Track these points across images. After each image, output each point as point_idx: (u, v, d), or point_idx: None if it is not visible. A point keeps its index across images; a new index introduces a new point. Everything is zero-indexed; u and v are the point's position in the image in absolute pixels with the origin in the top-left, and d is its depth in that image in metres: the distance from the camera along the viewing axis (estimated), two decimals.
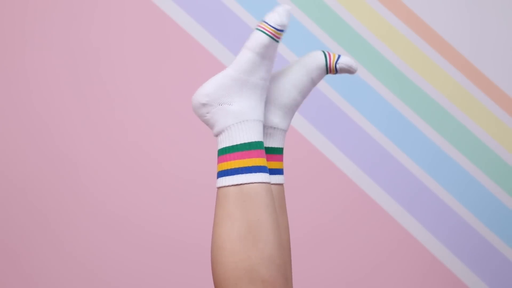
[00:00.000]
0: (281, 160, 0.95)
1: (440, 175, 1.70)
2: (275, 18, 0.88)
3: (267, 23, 0.89)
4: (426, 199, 1.70)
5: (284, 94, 0.94)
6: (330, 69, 0.94)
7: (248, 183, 0.84)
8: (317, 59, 0.95)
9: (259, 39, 0.88)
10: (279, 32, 0.89)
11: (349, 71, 0.95)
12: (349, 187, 1.69)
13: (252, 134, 0.87)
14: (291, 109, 0.96)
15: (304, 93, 0.96)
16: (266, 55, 0.89)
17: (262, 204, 0.84)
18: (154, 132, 1.70)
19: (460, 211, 1.70)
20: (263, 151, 0.87)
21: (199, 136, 1.70)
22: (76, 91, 1.69)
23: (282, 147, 0.95)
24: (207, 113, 0.90)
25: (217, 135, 0.89)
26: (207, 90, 0.89)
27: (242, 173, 0.84)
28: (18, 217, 1.68)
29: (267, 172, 0.86)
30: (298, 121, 1.69)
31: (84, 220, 1.68)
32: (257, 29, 0.89)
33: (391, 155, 1.70)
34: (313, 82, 0.96)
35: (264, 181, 0.85)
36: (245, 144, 0.86)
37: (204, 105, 0.90)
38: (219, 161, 0.87)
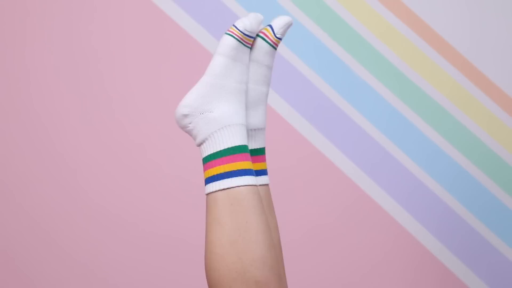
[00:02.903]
0: (264, 160, 0.96)
1: (440, 174, 1.70)
2: (244, 23, 0.90)
3: (235, 27, 0.90)
4: (426, 198, 1.70)
5: (251, 94, 0.94)
6: (275, 44, 0.94)
7: (235, 187, 0.85)
8: (259, 46, 0.94)
9: (226, 42, 0.90)
10: (247, 37, 0.90)
11: (289, 27, 0.95)
12: (349, 187, 1.69)
13: (236, 138, 0.88)
14: (262, 103, 0.96)
15: (267, 81, 0.96)
16: (237, 57, 0.90)
17: (249, 206, 0.84)
18: (153, 132, 1.70)
19: (460, 210, 1.70)
20: (248, 154, 0.88)
21: None
22: (75, 91, 1.69)
23: (263, 146, 0.96)
24: (190, 123, 0.91)
25: (200, 145, 0.90)
26: (187, 101, 0.91)
27: (228, 177, 0.85)
28: (15, 217, 1.68)
29: (253, 175, 0.87)
30: (298, 121, 1.69)
31: (82, 220, 1.68)
32: (226, 33, 0.91)
33: (391, 155, 1.70)
34: (269, 67, 0.96)
35: (250, 183, 0.86)
36: (229, 148, 0.87)
37: (186, 116, 0.91)
38: (205, 169, 0.88)
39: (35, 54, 1.70)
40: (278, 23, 0.94)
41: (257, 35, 0.94)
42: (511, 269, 1.70)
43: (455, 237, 1.70)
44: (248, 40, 0.91)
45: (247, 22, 0.90)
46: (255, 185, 0.86)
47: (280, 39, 0.94)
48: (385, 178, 1.70)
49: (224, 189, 0.85)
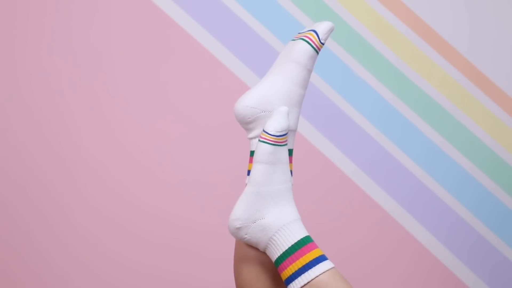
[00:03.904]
0: (291, 161, 0.98)
1: (440, 174, 1.70)
2: (274, 126, 0.91)
3: (267, 133, 0.91)
4: (426, 198, 1.70)
5: (291, 95, 0.96)
6: (319, 48, 0.97)
7: (314, 278, 0.86)
8: (305, 50, 0.96)
9: (262, 150, 0.91)
10: (280, 137, 0.92)
11: (331, 32, 0.98)
12: (349, 187, 1.69)
13: (296, 234, 0.89)
14: (298, 105, 0.98)
15: (306, 85, 0.98)
16: (275, 161, 0.92)
17: None
18: (154, 132, 1.70)
19: (460, 210, 1.70)
20: (313, 243, 0.90)
21: (200, 136, 1.70)
22: (77, 91, 1.70)
23: (292, 148, 0.98)
24: (246, 234, 0.92)
25: (265, 250, 0.91)
26: (236, 214, 0.92)
27: (303, 272, 0.86)
28: (19, 215, 1.68)
29: (326, 259, 0.88)
30: (298, 121, 1.69)
31: (84, 219, 1.68)
32: (260, 140, 0.92)
33: (391, 154, 1.70)
34: (310, 71, 0.98)
35: (327, 268, 0.87)
36: (293, 246, 0.88)
37: (239, 229, 0.92)
38: (280, 271, 0.89)
39: (37, 53, 1.70)
40: (323, 28, 0.96)
41: (302, 38, 0.96)
42: (510, 267, 1.71)
43: (456, 236, 1.70)
44: (282, 140, 0.92)
45: (276, 124, 0.91)
46: (332, 268, 0.87)
47: (323, 44, 0.96)
48: (384, 178, 1.70)
49: (305, 284, 0.86)
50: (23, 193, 1.69)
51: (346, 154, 1.70)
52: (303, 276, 0.86)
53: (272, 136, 0.91)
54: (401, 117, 1.70)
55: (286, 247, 0.88)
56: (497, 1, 1.71)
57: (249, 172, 0.90)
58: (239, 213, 0.92)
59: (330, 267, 0.87)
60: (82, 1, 1.70)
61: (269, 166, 0.91)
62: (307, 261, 0.87)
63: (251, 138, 0.96)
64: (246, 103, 0.96)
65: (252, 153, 0.95)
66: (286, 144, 0.93)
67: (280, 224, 0.90)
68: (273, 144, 0.91)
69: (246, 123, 0.96)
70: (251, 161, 0.90)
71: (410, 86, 1.70)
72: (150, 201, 1.69)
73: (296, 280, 0.86)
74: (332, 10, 1.69)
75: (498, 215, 1.70)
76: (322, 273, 0.86)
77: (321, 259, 0.88)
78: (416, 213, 1.70)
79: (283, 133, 0.92)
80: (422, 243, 1.70)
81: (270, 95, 0.95)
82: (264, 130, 0.91)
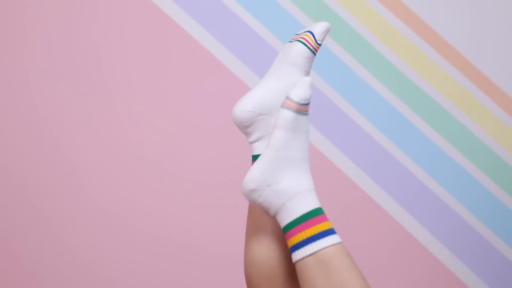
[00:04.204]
0: None
1: (440, 174, 1.70)
2: (298, 93, 0.90)
3: (291, 99, 0.91)
4: (426, 198, 1.70)
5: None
6: (315, 49, 0.96)
7: (320, 249, 0.85)
8: (301, 52, 0.96)
9: (284, 116, 0.91)
10: (303, 106, 0.91)
11: (327, 33, 0.97)
12: (349, 187, 1.69)
13: (308, 204, 0.89)
14: None
15: None
16: (297, 128, 0.92)
17: (340, 264, 0.85)
18: (154, 132, 1.70)
19: (460, 210, 1.70)
20: (324, 215, 0.90)
21: (200, 136, 1.70)
22: (76, 91, 1.70)
23: None
24: (259, 196, 0.91)
25: (275, 215, 0.91)
26: (253, 176, 0.92)
27: (311, 242, 0.86)
28: (18, 215, 1.68)
29: (334, 233, 0.88)
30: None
31: (84, 219, 1.68)
32: (282, 106, 0.91)
33: (391, 155, 1.70)
34: (308, 72, 0.98)
35: (335, 242, 0.86)
36: (304, 215, 0.88)
37: (253, 190, 0.92)
38: (287, 238, 0.89)
39: (36, 53, 1.70)
40: (319, 29, 0.95)
41: (298, 40, 0.95)
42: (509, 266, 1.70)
43: (456, 237, 1.70)
44: (305, 109, 0.92)
45: (301, 92, 0.90)
46: (339, 243, 0.87)
47: (320, 45, 0.95)
48: (385, 178, 1.70)
49: (310, 254, 0.85)
50: (22, 194, 1.69)
51: (346, 154, 1.70)
52: (309, 245, 0.86)
53: (296, 104, 0.90)
54: (401, 117, 1.70)
55: (298, 215, 0.88)
56: (498, 1, 1.71)
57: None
58: (255, 176, 0.91)
59: (337, 241, 0.87)
60: (82, 1, 1.70)
61: (290, 132, 0.91)
62: (316, 232, 0.86)
63: (252, 142, 0.96)
64: (243, 107, 0.96)
65: (254, 157, 0.95)
66: (308, 114, 0.93)
67: (295, 191, 0.90)
68: (296, 112, 0.90)
69: (244, 127, 0.97)
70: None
71: (410, 86, 1.70)
72: (150, 201, 1.69)
73: (302, 249, 0.86)
74: (332, 10, 1.69)
75: (499, 215, 1.70)
76: (329, 246, 0.85)
77: (330, 232, 0.87)
78: (417, 213, 1.70)
79: (307, 102, 0.91)
80: (422, 243, 1.70)
81: (266, 98, 0.95)
82: (288, 97, 0.90)
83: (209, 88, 1.69)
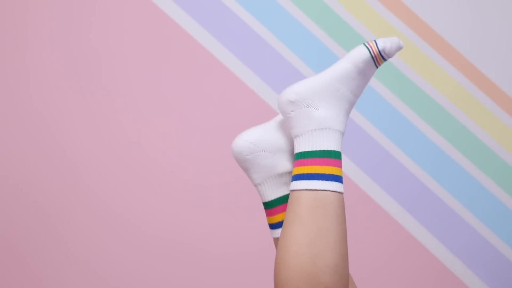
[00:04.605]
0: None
1: (440, 175, 1.70)
2: (386, 44, 0.89)
3: (376, 43, 0.90)
4: (427, 199, 1.70)
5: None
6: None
7: (323, 190, 0.84)
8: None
9: (361, 53, 0.89)
10: (381, 58, 0.90)
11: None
12: (349, 187, 1.69)
13: (332, 143, 0.87)
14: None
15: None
16: (363, 71, 0.90)
17: (334, 213, 0.84)
18: (154, 132, 1.69)
19: (461, 211, 1.70)
20: (341, 161, 0.87)
21: (200, 136, 1.69)
22: (77, 91, 1.69)
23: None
24: (292, 111, 0.89)
25: (295, 137, 0.88)
26: (298, 88, 0.89)
27: (318, 179, 0.84)
28: (20, 214, 1.68)
29: (341, 183, 0.86)
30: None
31: (85, 218, 1.68)
32: (364, 44, 0.90)
33: (392, 155, 1.70)
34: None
35: (339, 190, 0.85)
36: (324, 151, 0.86)
37: (292, 102, 0.89)
38: (295, 165, 0.86)
39: (36, 54, 1.70)
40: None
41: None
42: (506, 263, 1.70)
43: (457, 237, 1.70)
44: (380, 61, 0.90)
45: (388, 44, 0.89)
46: (342, 193, 0.85)
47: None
48: (385, 178, 1.70)
49: (312, 189, 0.84)
50: (24, 192, 1.68)
51: (347, 154, 1.70)
52: (315, 182, 0.84)
53: (377, 49, 0.89)
54: (402, 118, 1.70)
55: (318, 148, 0.85)
56: (498, 2, 1.71)
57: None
58: (301, 89, 0.89)
59: (341, 190, 0.85)
60: (81, 1, 1.70)
61: (356, 70, 0.89)
62: (327, 172, 0.84)
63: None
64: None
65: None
66: (378, 67, 0.92)
67: (327, 125, 0.87)
68: (372, 56, 0.89)
69: (243, 161, 0.92)
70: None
71: (411, 87, 1.70)
72: (151, 201, 1.69)
73: (306, 181, 0.84)
74: (332, 10, 1.69)
75: (499, 215, 1.70)
76: (332, 191, 0.84)
77: (338, 179, 0.85)
78: (417, 214, 1.70)
79: (387, 57, 0.90)
80: (422, 243, 1.69)
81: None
82: (374, 40, 0.90)
83: (209, 88, 1.69)
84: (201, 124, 1.69)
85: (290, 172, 0.90)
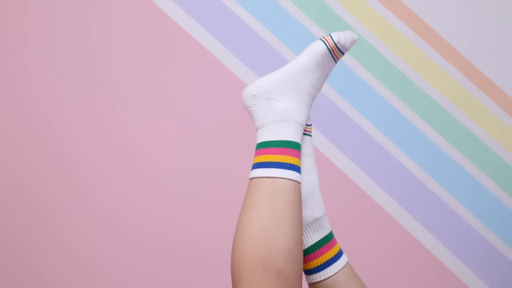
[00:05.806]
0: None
1: (440, 174, 1.70)
2: (339, 36, 0.94)
3: (331, 37, 0.94)
4: (426, 199, 1.70)
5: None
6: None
7: (280, 178, 0.87)
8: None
9: (318, 46, 0.94)
10: (338, 50, 0.94)
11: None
12: (349, 187, 1.69)
13: (292, 134, 0.91)
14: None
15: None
16: (321, 64, 0.94)
17: (289, 200, 0.87)
18: (154, 131, 1.70)
19: (460, 210, 1.70)
20: (299, 152, 0.91)
21: (200, 135, 1.70)
22: (77, 91, 1.70)
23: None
24: (254, 104, 0.94)
25: (257, 129, 0.93)
26: (260, 83, 0.94)
27: (276, 167, 0.88)
28: (21, 213, 1.68)
29: (299, 172, 0.90)
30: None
31: (86, 218, 1.68)
32: (320, 39, 0.95)
33: (391, 155, 1.70)
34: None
35: (295, 179, 0.88)
36: (283, 141, 0.90)
37: (254, 96, 0.94)
38: (256, 154, 0.91)
39: (37, 53, 1.70)
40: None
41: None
42: (503, 261, 1.70)
43: (456, 237, 1.70)
44: (337, 54, 0.95)
45: (343, 36, 0.94)
46: (298, 182, 0.89)
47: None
48: (385, 178, 1.70)
49: (269, 177, 0.87)
50: (25, 193, 1.69)
51: (346, 154, 1.70)
52: (273, 170, 0.88)
53: (333, 43, 0.93)
54: (401, 117, 1.70)
55: (278, 139, 0.90)
56: (498, 2, 1.71)
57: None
58: (263, 84, 0.94)
59: (297, 179, 0.89)
60: (82, 1, 1.70)
61: (314, 63, 0.94)
62: (283, 161, 0.89)
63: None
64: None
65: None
66: (336, 63, 0.96)
67: (287, 117, 0.92)
68: (329, 50, 0.94)
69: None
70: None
71: (410, 87, 1.70)
72: (151, 201, 1.69)
73: (264, 169, 0.88)
74: (332, 10, 1.69)
75: (499, 215, 1.70)
76: (287, 179, 0.88)
77: (294, 168, 0.89)
78: (417, 213, 1.70)
79: (343, 50, 0.94)
80: (422, 243, 1.70)
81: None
82: (329, 34, 0.94)
83: (209, 88, 1.69)
84: (201, 123, 1.70)
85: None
